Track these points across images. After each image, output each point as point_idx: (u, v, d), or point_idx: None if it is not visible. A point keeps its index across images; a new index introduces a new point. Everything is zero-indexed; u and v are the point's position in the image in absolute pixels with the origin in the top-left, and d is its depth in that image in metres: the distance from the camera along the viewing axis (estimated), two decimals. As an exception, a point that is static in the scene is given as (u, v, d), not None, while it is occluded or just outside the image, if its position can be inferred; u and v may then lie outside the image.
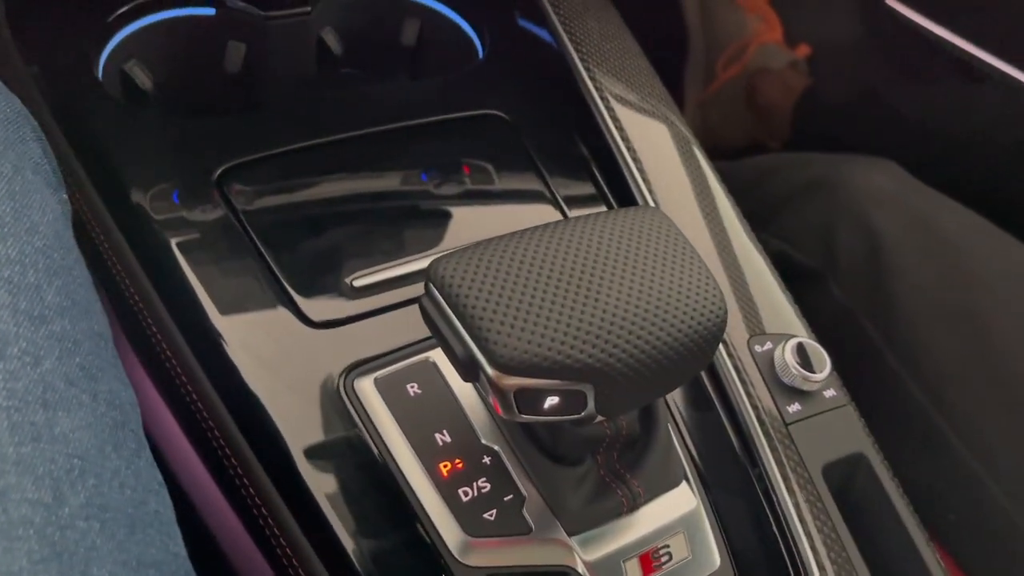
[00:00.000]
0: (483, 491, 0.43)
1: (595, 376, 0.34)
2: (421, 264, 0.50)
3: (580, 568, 0.43)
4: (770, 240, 0.78)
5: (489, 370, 0.34)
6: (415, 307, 0.38)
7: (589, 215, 0.38)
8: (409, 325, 0.47)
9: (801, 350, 0.52)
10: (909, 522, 0.51)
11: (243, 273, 0.49)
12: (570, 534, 0.43)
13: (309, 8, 0.63)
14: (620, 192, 0.59)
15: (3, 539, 0.29)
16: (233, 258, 0.49)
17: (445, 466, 0.43)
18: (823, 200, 0.79)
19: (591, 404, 0.35)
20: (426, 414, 0.45)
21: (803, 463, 0.50)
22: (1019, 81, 0.80)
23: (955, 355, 0.69)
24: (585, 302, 0.34)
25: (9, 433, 0.31)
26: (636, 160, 0.59)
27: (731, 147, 1.09)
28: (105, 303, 0.44)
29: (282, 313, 0.48)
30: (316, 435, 0.44)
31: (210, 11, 0.62)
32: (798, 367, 0.51)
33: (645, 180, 0.58)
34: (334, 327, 0.48)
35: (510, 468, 0.44)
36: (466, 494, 0.43)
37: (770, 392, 0.52)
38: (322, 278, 0.49)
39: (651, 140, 0.61)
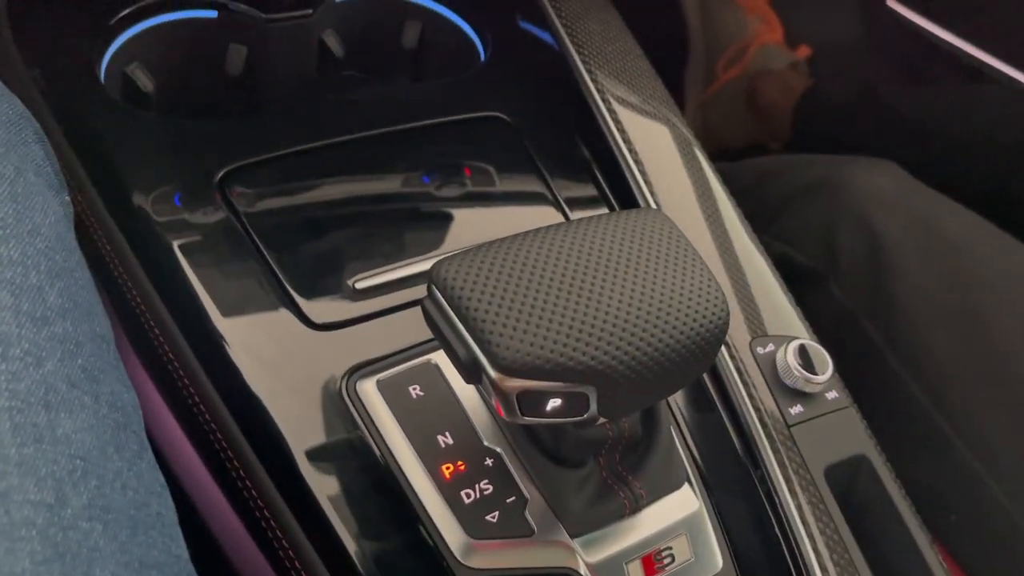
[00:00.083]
0: (485, 493, 0.43)
1: (597, 378, 0.34)
2: (423, 266, 0.50)
3: (582, 570, 0.43)
4: (771, 241, 0.78)
5: (491, 372, 0.34)
6: (417, 309, 0.38)
7: (591, 217, 0.38)
8: (411, 327, 0.47)
9: (803, 352, 0.52)
10: (912, 524, 0.51)
11: (245, 275, 0.49)
12: (572, 536, 0.43)
13: (310, 11, 0.63)
14: (622, 194, 0.59)
15: (6, 540, 0.29)
16: (235, 260, 0.49)
17: (447, 468, 0.43)
18: (824, 201, 0.79)
19: (593, 406, 0.35)
20: (428, 416, 0.45)
21: (805, 465, 0.50)
22: (1019, 82, 0.80)
23: (956, 356, 0.69)
24: (587, 304, 0.34)
25: (11, 434, 0.31)
26: (638, 162, 0.59)
27: (732, 148, 1.09)
28: (107, 305, 0.44)
29: (284, 315, 0.48)
30: (318, 437, 0.44)
31: (212, 14, 0.62)
32: (800, 369, 0.51)
33: (647, 182, 0.58)
34: (336, 329, 0.48)
35: (512, 470, 0.44)
36: (468, 496, 0.43)
37: (772, 394, 0.52)
38: (324, 280, 0.49)
39: (652, 142, 0.61)
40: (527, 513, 0.43)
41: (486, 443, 0.44)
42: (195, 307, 0.47)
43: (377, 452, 0.44)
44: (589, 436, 0.41)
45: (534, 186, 0.58)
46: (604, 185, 0.59)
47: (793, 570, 0.47)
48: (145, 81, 0.61)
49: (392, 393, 0.45)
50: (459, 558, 0.42)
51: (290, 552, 0.44)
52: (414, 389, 0.45)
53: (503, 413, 0.35)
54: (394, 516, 0.43)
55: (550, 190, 0.57)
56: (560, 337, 0.34)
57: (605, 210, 0.58)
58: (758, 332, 0.54)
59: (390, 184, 0.56)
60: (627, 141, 0.60)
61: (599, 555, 0.43)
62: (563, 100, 0.63)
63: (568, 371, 0.34)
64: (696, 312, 0.36)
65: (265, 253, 0.49)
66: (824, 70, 0.99)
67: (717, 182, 0.61)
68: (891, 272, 0.73)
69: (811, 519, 0.48)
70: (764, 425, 0.50)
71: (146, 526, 0.35)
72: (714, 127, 1.11)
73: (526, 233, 0.37)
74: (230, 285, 0.48)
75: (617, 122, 0.60)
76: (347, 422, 0.45)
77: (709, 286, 0.37)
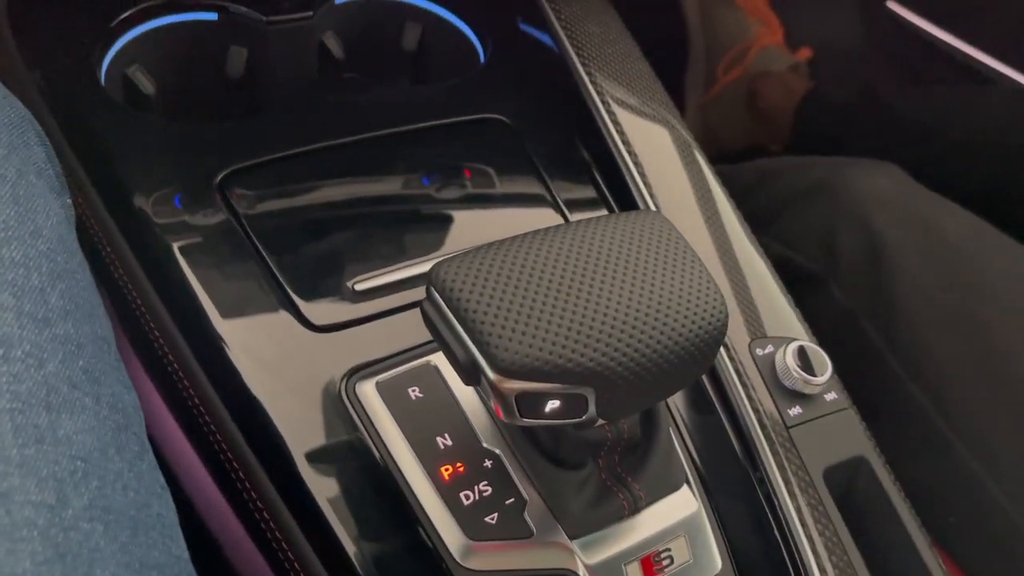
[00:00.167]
0: (484, 495, 0.43)
1: (596, 380, 0.34)
2: (422, 268, 0.51)
3: (581, 571, 0.43)
4: (771, 243, 0.78)
5: (490, 374, 0.34)
6: (416, 311, 0.39)
7: (590, 219, 0.38)
8: (410, 329, 0.47)
9: (802, 353, 0.52)
10: (911, 525, 0.51)
11: (245, 277, 0.49)
12: (571, 537, 0.43)
13: (311, 13, 0.63)
14: (621, 196, 0.59)
15: (7, 540, 0.29)
16: (235, 262, 0.49)
17: (446, 470, 0.43)
18: (824, 203, 0.79)
19: (592, 408, 0.35)
20: (427, 418, 0.45)
21: (804, 466, 0.50)
22: (1020, 84, 0.80)
23: (956, 357, 0.69)
24: (587, 306, 0.34)
25: (13, 435, 0.31)
26: (637, 164, 0.59)
27: (732, 150, 1.09)
28: (108, 307, 0.44)
29: (284, 317, 0.48)
30: (318, 438, 0.45)
31: (212, 16, 0.62)
32: (799, 370, 0.51)
33: (646, 184, 0.58)
34: (336, 331, 0.48)
35: (511, 472, 0.44)
36: (467, 497, 0.43)
37: (771, 395, 0.52)
38: (324, 282, 0.49)
39: (652, 144, 0.61)
40: (526, 514, 0.43)
41: (485, 445, 0.44)
42: (195, 308, 0.47)
43: (376, 453, 0.44)
44: (588, 438, 0.41)
45: (534, 188, 0.58)
46: (603, 187, 0.59)
47: (792, 571, 0.47)
48: (146, 83, 0.61)
49: (391, 395, 0.45)
50: (458, 559, 0.42)
51: (289, 553, 0.44)
52: (413, 391, 0.45)
53: (502, 415, 0.35)
54: (393, 517, 0.43)
55: (550, 192, 0.58)
56: (559, 339, 0.34)
57: (604, 212, 0.59)
58: (757, 333, 0.54)
59: (390, 186, 0.56)
60: (627, 143, 0.60)
61: (598, 556, 0.43)
62: (563, 102, 0.63)
63: (567, 373, 0.34)
64: (695, 314, 0.36)
65: (265, 255, 0.50)
66: (824, 72, 0.99)
67: (717, 184, 0.61)
68: (891, 274, 0.73)
69: (810, 520, 0.48)
70: (763, 426, 0.50)
71: (147, 527, 0.35)
72: (714, 129, 1.11)
73: (525, 235, 0.37)
74: (230, 287, 0.48)
75: (617, 124, 0.60)
76: (346, 423, 0.45)
77: (708, 288, 0.37)
